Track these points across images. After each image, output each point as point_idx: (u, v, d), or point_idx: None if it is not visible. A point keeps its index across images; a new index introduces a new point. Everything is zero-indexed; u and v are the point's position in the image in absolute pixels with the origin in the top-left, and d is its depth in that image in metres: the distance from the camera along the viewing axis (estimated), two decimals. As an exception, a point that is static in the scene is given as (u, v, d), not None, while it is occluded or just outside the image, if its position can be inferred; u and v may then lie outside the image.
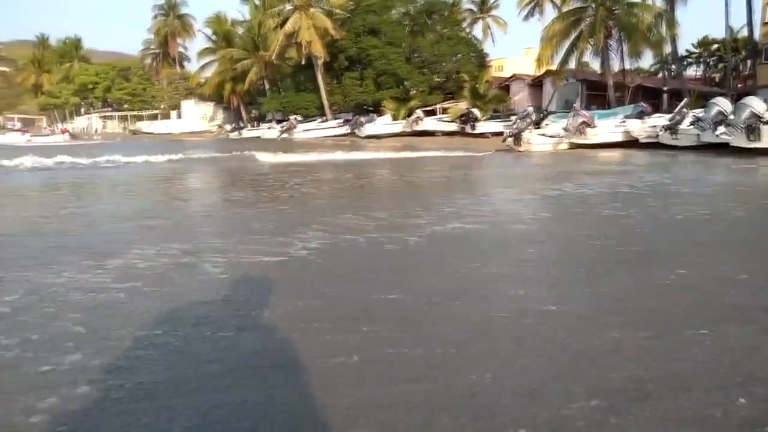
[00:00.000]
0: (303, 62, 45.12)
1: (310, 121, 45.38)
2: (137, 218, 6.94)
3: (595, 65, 35.70)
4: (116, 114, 69.28)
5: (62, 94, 70.27)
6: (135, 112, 66.48)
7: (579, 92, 34.56)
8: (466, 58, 43.19)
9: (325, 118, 45.24)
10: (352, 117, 43.02)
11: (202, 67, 57.38)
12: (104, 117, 69.87)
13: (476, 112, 33.99)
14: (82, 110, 72.48)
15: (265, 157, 18.72)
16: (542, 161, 17.43)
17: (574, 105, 27.90)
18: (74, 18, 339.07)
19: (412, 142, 31.23)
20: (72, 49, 75.98)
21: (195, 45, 65.38)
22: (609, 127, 21.92)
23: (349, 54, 43.40)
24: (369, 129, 37.82)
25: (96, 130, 66.23)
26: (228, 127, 53.58)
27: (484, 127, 32.73)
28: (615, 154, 19.09)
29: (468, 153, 21.85)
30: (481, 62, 44.16)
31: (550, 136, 22.27)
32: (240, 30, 54.16)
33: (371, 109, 43.59)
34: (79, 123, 70.82)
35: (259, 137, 44.69)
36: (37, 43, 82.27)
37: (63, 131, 57.50)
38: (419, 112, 37.17)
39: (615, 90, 31.24)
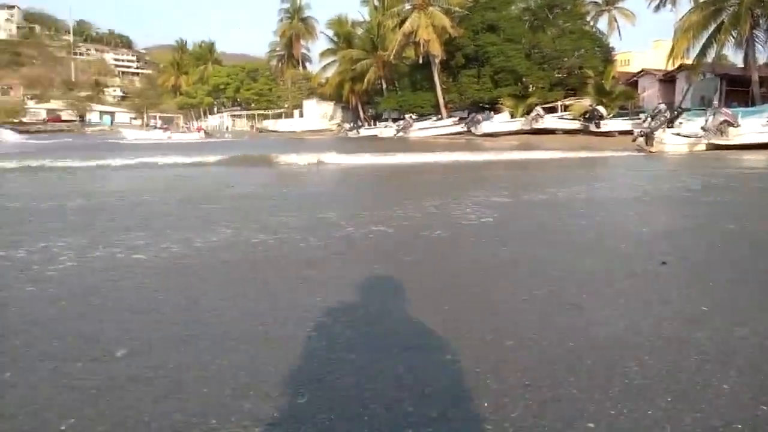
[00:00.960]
0: (420, 61, 45.57)
1: (426, 119, 45.76)
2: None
3: (736, 59, 32.85)
4: (244, 113, 73.99)
5: (198, 95, 76.29)
6: (261, 111, 70.60)
7: (717, 88, 31.99)
8: (590, 52, 41.42)
9: (440, 116, 45.43)
10: (467, 115, 42.83)
11: (324, 68, 59.87)
12: (234, 116, 74.88)
13: (601, 109, 32.56)
14: (215, 109, 78.16)
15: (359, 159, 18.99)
16: (684, 164, 16.31)
17: (714, 102, 25.86)
18: (208, 23, 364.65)
19: (530, 141, 30.56)
20: (206, 52, 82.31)
21: (317, 46, 68.44)
22: (755, 126, 20.07)
23: (467, 52, 43.19)
24: (485, 127, 37.46)
25: (227, 128, 71.17)
26: (347, 125, 55.36)
27: (609, 125, 31.30)
28: (763, 157, 17.50)
29: (595, 153, 20.98)
30: (607, 57, 42.17)
31: (686, 136, 20.85)
32: (359, 31, 55.77)
33: (488, 106, 43.10)
34: (212, 121, 76.47)
35: (375, 136, 45.82)
36: (177, 48, 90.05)
37: (198, 129, 62.28)
38: (539, 110, 36.21)
39: (760, 85, 28.55)
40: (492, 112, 40.52)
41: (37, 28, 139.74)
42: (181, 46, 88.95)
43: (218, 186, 10.92)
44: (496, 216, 6.72)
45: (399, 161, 18.30)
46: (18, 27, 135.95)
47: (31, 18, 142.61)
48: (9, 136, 45.00)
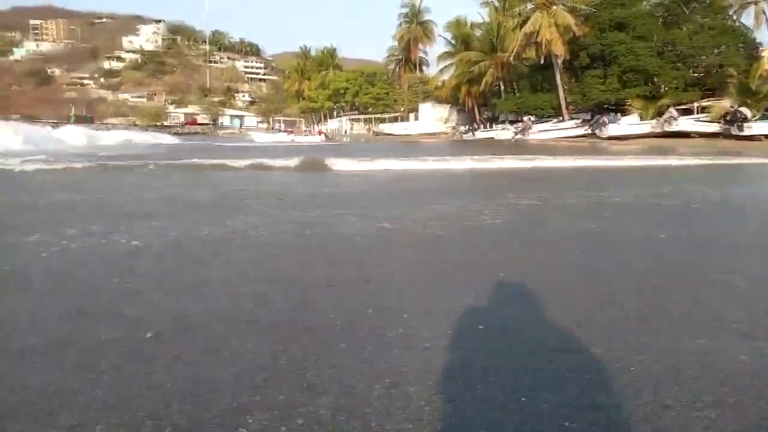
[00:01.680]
0: (541, 62, 44.28)
1: (545, 121, 44.35)
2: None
3: None
4: (362, 117, 75.91)
5: (319, 99, 79.43)
6: (378, 115, 72.06)
7: None
8: (732, 49, 37.97)
9: (561, 118, 43.82)
10: (591, 117, 40.95)
11: (441, 71, 59.93)
12: (352, 119, 77.08)
13: (745, 110, 29.76)
14: (334, 113, 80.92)
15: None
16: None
17: None
18: (331, 30, 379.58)
19: (662, 144, 28.63)
20: (328, 58, 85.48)
21: (434, 50, 68.48)
22: None
23: (592, 51, 41.33)
24: (612, 129, 35.62)
25: (345, 132, 73.46)
26: (462, 128, 55.00)
27: (754, 128, 28.55)
28: None
29: (737, 160, 19.20)
30: (752, 54, 38.43)
31: None
32: (478, 32, 55.20)
33: (613, 108, 40.95)
34: (331, 125, 79.24)
35: (492, 138, 45.11)
36: (301, 55, 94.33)
37: (319, 132, 64.91)
38: (673, 111, 33.82)
39: None
40: (618, 114, 38.44)
41: (179, 39, 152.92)
42: (305, 53, 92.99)
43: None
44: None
45: (528, 165, 17.09)
46: (163, 39, 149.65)
47: (174, 30, 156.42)
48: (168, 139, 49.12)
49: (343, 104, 79.76)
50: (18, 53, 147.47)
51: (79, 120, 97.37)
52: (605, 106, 41.62)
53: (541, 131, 42.44)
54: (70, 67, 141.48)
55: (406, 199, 8.65)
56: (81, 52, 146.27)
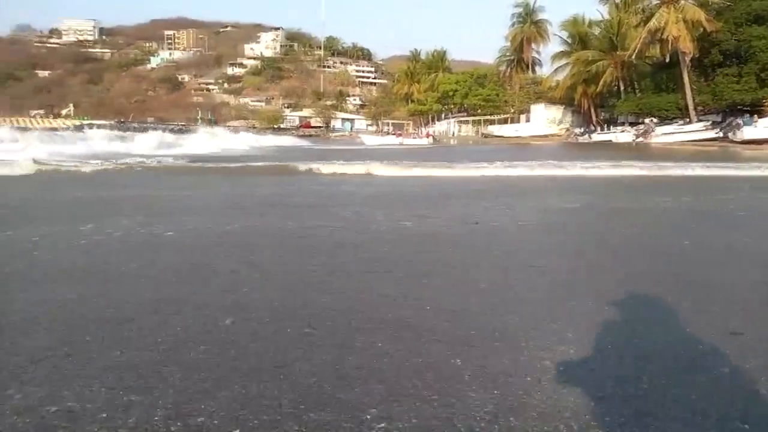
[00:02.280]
0: (666, 60, 41.56)
1: (670, 123, 41.57)
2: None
3: None
4: (470, 118, 75.26)
5: (428, 102, 79.76)
6: (487, 117, 71.11)
7: None
8: None
9: (687, 120, 40.87)
10: (722, 119, 37.83)
11: (555, 71, 58.11)
12: (460, 121, 76.66)
13: None
14: (442, 115, 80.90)
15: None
16: None
17: None
18: (441, 33, 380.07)
19: (808, 149, 25.85)
20: (438, 60, 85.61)
21: (548, 49, 66.29)
22: None
23: (725, 47, 38.22)
24: (747, 132, 32.71)
25: (453, 134, 73.25)
26: (577, 130, 52.95)
27: None
28: None
29: None
30: None
31: None
32: (596, 30, 52.89)
33: (747, 109, 37.57)
34: (439, 127, 79.32)
35: (610, 141, 43.00)
36: (411, 58, 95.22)
37: (427, 135, 65.20)
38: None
39: None
40: (755, 116, 35.22)
41: (296, 45, 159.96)
42: (415, 56, 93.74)
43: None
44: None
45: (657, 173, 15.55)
46: (281, 45, 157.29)
47: (291, 37, 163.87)
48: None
49: (452, 106, 79.51)
50: (154, 62, 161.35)
51: (205, 122, 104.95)
52: (739, 106, 38.29)
53: (664, 134, 39.85)
54: (198, 74, 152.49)
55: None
56: (207, 60, 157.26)
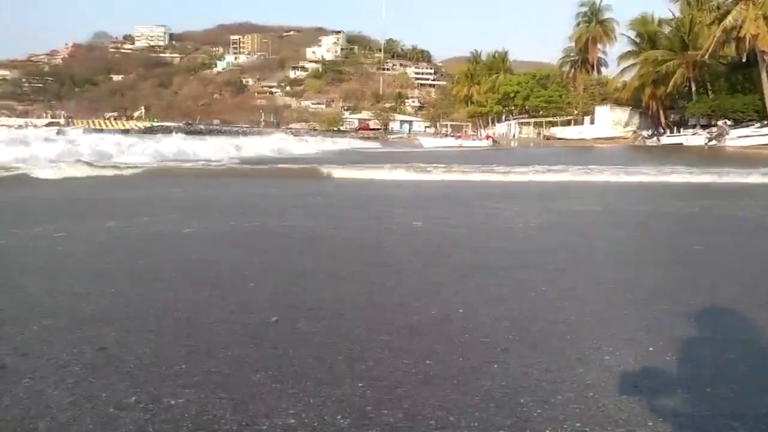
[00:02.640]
0: (743, 59, 39.49)
1: (745, 126, 39.47)
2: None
3: None
4: (531, 120, 73.89)
5: (488, 103, 78.84)
6: (549, 118, 69.63)
7: None
8: None
9: (765, 122, 38.68)
10: (805, 121, 35.63)
11: (621, 71, 56.24)
12: (521, 123, 75.40)
13: None
14: (503, 117, 79.81)
15: None
16: None
17: None
18: (503, 33, 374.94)
19: None
20: (499, 61, 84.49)
21: (614, 49, 64.19)
22: None
23: (810, 45, 35.92)
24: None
25: (513, 136, 72.10)
26: (645, 132, 51.07)
27: None
28: None
29: None
30: None
31: None
32: (667, 29, 50.81)
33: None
34: (499, 129, 78.29)
35: (680, 144, 41.25)
36: (471, 59, 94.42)
37: (487, 137, 64.48)
38: None
39: None
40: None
41: (356, 48, 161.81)
42: (476, 58, 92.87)
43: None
44: None
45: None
46: (342, 48, 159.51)
47: (351, 40, 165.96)
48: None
49: (512, 108, 78.31)
50: (220, 66, 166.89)
51: (268, 125, 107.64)
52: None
53: (739, 137, 37.82)
54: (261, 77, 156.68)
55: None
56: (271, 63, 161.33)
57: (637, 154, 33.32)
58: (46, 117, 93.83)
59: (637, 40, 53.67)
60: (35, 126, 72.58)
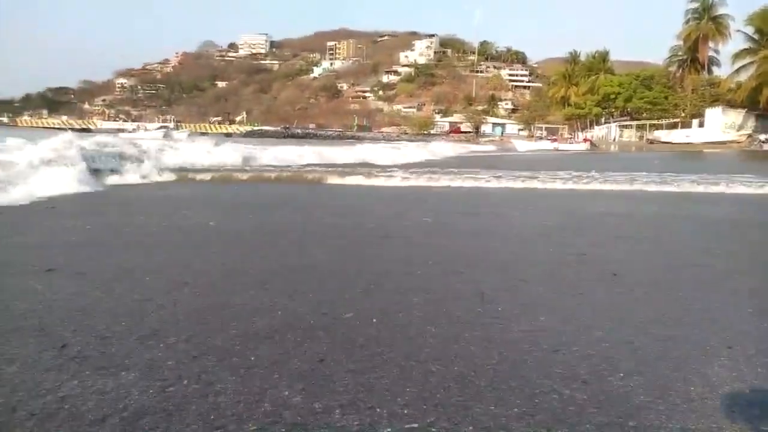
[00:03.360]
0: None
1: None
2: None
3: None
4: (633, 123, 70.26)
5: (586, 105, 75.85)
6: (653, 121, 65.90)
7: None
8: None
9: None
10: None
11: (737, 71, 52.16)
12: (622, 126, 71.90)
13: None
14: (602, 119, 76.50)
15: None
16: None
17: None
18: (603, 32, 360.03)
19: None
20: (599, 62, 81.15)
21: (728, 48, 59.65)
22: None
23: None
24: None
25: (614, 139, 68.86)
26: (762, 136, 47.07)
27: None
28: None
29: None
30: None
31: None
32: (792, 24, 46.64)
33: None
34: (597, 132, 75.07)
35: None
36: (569, 60, 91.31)
37: (585, 140, 62.08)
38: None
39: None
40: None
41: (449, 51, 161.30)
42: (574, 58, 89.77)
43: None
44: None
45: None
46: (435, 52, 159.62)
47: (444, 43, 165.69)
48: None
49: (613, 110, 74.84)
50: (316, 71, 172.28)
51: (360, 129, 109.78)
52: None
53: None
54: (355, 82, 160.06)
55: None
56: (364, 68, 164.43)
57: (755, 160, 30.69)
58: (158, 121, 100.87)
59: (756, 36, 49.62)
60: (146, 129, 78.40)
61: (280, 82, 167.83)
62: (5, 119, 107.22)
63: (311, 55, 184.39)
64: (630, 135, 69.42)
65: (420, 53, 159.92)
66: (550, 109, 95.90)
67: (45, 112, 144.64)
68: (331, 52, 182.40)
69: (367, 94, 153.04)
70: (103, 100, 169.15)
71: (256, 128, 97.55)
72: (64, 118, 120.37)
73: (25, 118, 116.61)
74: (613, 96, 72.01)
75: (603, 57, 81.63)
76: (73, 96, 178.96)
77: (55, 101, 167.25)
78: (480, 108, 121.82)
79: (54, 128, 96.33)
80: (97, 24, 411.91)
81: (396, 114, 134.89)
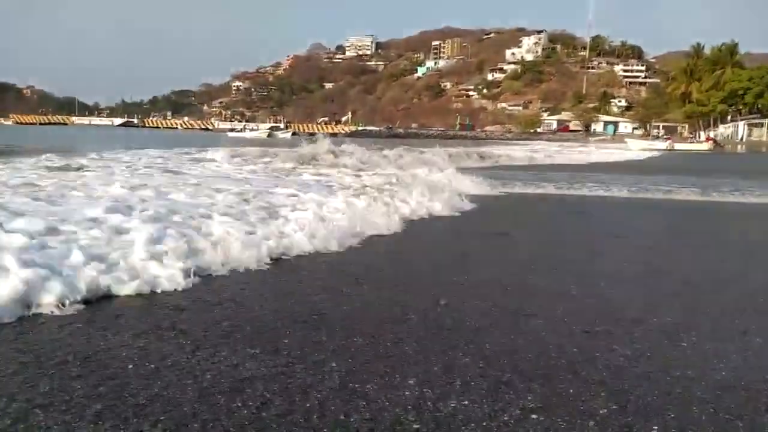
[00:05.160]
0: None
1: None
2: None
3: None
4: (765, 121, 63.97)
5: (710, 102, 70.14)
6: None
7: None
8: None
9: None
10: None
11: None
12: (751, 124, 65.71)
13: None
14: (728, 117, 70.38)
15: None
16: None
17: None
18: (728, 22, 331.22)
19: None
20: (726, 55, 74.72)
21: None
22: None
23: None
24: None
25: (741, 138, 63.13)
26: None
27: None
28: None
29: None
30: None
31: None
32: None
33: None
34: (723, 130, 69.16)
35: None
36: (691, 53, 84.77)
37: (707, 139, 57.42)
38: None
39: None
40: None
41: (558, 47, 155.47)
42: (697, 51, 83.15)
43: None
44: None
45: None
46: (543, 48, 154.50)
47: (553, 39, 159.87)
48: None
49: (741, 107, 68.57)
50: (420, 71, 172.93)
51: (462, 128, 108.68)
52: None
53: None
54: (459, 80, 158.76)
55: None
56: (469, 66, 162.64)
57: None
58: (269, 122, 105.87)
59: None
60: (251, 129, 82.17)
61: (384, 82, 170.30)
62: (135, 120, 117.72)
63: (415, 55, 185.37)
64: (761, 134, 63.28)
65: (527, 49, 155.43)
66: (668, 106, 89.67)
67: (169, 113, 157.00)
68: (435, 51, 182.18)
69: (470, 93, 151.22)
70: (221, 102, 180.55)
71: (360, 128, 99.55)
72: (186, 119, 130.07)
73: (152, 119, 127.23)
74: (741, 92, 66.01)
75: (731, 50, 75.07)
76: (193, 98, 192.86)
77: (179, 103, 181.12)
78: (591, 106, 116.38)
79: (178, 128, 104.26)
80: (216, 28, 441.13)
81: (501, 112, 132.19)
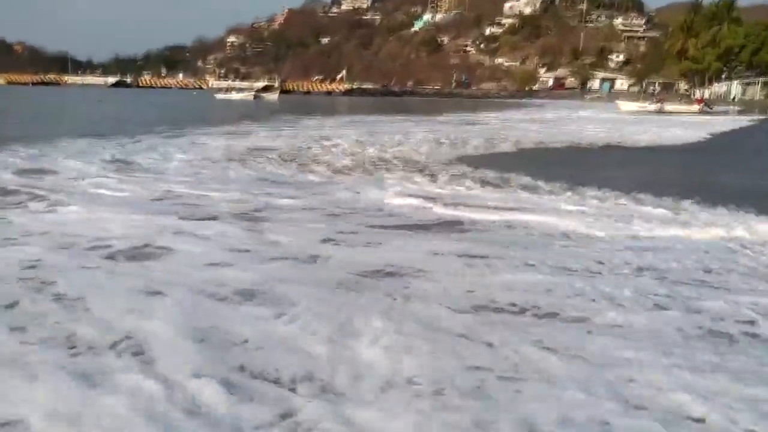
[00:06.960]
0: None
1: None
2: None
3: None
4: (759, 79, 63.55)
5: (705, 59, 69.42)
6: (783, 76, 59.24)
7: None
8: None
9: None
10: None
11: None
12: (746, 83, 65.34)
13: None
14: (723, 76, 69.92)
15: None
16: None
17: None
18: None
19: None
20: (723, 11, 73.42)
21: None
22: None
23: None
24: None
25: (734, 98, 62.88)
26: None
27: None
28: None
29: None
30: None
31: None
32: None
33: None
34: (716, 89, 68.82)
35: None
36: (690, 8, 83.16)
37: (698, 101, 57.11)
38: None
39: None
40: None
41: (557, 0, 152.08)
42: (695, 6, 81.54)
43: None
44: None
45: None
46: (542, 2, 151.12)
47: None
48: None
49: (737, 65, 67.95)
50: (417, 25, 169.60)
51: (458, 85, 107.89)
52: None
53: None
54: (457, 35, 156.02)
55: None
56: (466, 20, 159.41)
57: None
58: (264, 80, 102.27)
59: None
60: (239, 90, 75.30)
61: (381, 36, 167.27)
62: (128, 79, 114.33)
63: (413, 9, 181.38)
64: (753, 93, 62.94)
65: (526, 3, 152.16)
66: (665, 62, 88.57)
67: (163, 70, 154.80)
68: (433, 4, 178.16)
69: (468, 48, 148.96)
70: (215, 59, 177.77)
71: (355, 87, 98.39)
72: (180, 77, 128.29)
73: (145, 78, 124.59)
74: (736, 49, 65.31)
75: (728, 5, 73.65)
76: (188, 54, 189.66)
77: (172, 59, 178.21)
78: (588, 61, 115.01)
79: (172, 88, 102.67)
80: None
81: (497, 68, 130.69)
